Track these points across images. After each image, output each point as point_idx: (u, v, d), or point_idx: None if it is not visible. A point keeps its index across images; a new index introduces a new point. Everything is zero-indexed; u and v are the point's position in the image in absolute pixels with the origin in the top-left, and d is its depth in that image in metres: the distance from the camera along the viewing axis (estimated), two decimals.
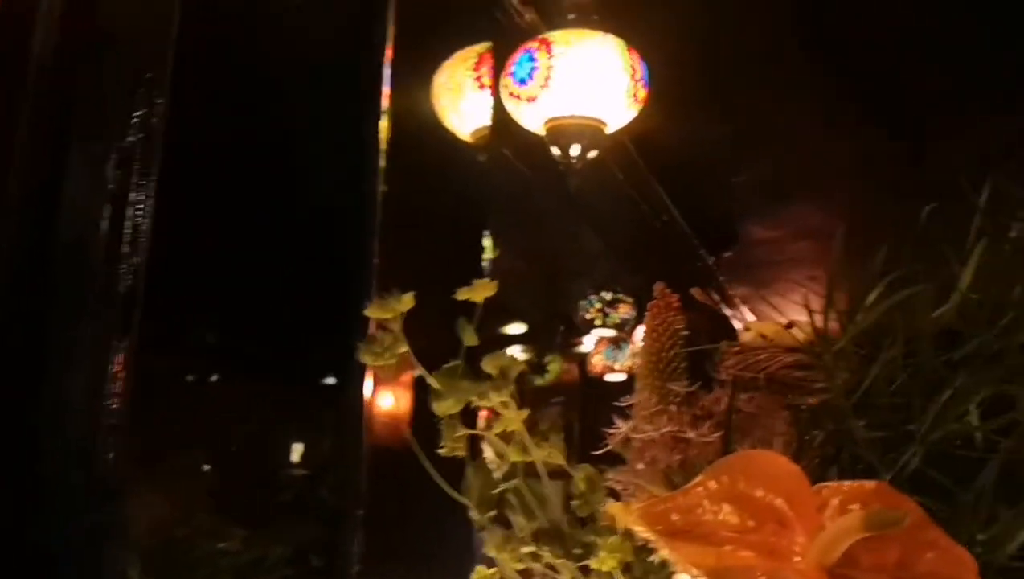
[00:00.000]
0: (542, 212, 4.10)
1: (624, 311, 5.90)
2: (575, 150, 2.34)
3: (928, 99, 3.34)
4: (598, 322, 5.84)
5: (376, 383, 1.68)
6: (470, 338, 0.89)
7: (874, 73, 3.24)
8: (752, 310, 6.30)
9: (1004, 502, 0.83)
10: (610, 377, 6.05)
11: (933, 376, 0.92)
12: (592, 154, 2.37)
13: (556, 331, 6.63)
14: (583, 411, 6.56)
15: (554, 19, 2.42)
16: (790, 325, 1.00)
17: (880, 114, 3.57)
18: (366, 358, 0.93)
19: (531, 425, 0.95)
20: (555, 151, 2.35)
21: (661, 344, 1.17)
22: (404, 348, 0.93)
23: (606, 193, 3.76)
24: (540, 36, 2.31)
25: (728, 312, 5.89)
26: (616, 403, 1.13)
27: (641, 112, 3.04)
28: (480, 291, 0.89)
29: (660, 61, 2.88)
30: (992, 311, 0.93)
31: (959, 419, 0.91)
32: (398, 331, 0.87)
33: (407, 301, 0.87)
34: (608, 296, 5.79)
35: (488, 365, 0.97)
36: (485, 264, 4.37)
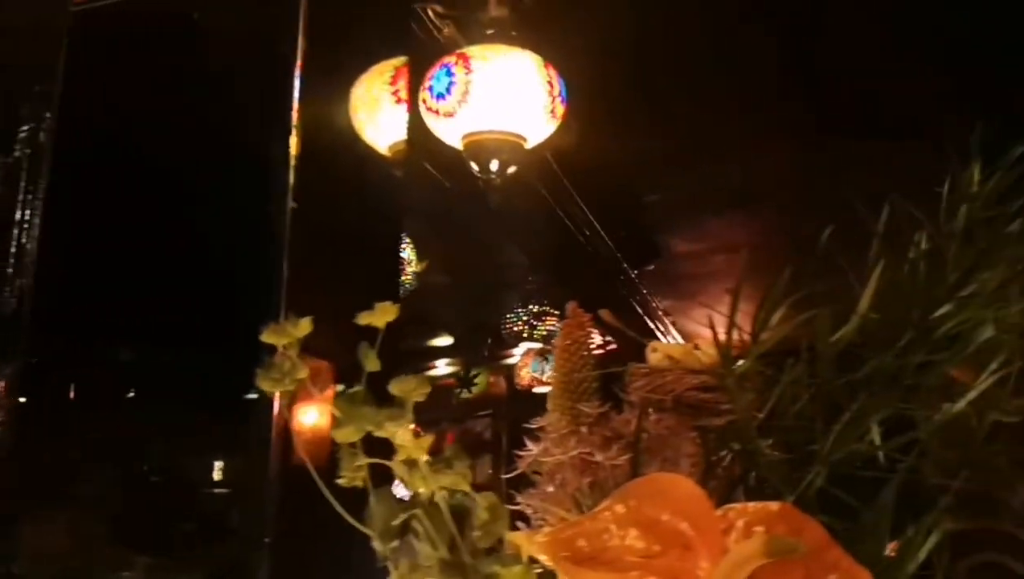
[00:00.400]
0: (466, 224, 4.09)
1: (551, 324, 5.93)
2: (494, 165, 2.33)
3: (845, 121, 3.43)
4: (525, 335, 5.86)
5: (287, 404, 1.64)
6: (372, 363, 0.86)
7: (795, 92, 3.30)
8: (676, 323, 6.39)
9: (906, 520, 0.84)
10: (538, 389, 6.07)
11: (835, 397, 0.92)
12: (511, 169, 2.36)
13: (483, 344, 6.62)
14: (512, 423, 6.55)
15: (473, 34, 2.41)
16: (696, 346, 1.00)
17: (801, 132, 3.65)
18: (264, 385, 0.90)
19: (436, 451, 0.92)
20: (474, 166, 2.33)
21: (572, 364, 1.16)
22: (304, 373, 0.90)
23: (528, 207, 3.77)
24: (458, 51, 2.29)
25: (652, 325, 5.95)
26: (527, 425, 1.12)
27: (562, 127, 3.06)
28: (382, 315, 0.86)
29: (581, 76, 2.89)
30: (892, 331, 0.94)
31: (861, 439, 0.91)
32: (295, 357, 0.83)
33: (303, 326, 0.83)
34: (535, 309, 5.81)
35: (395, 388, 0.94)
36: (409, 277, 4.34)
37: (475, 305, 5.90)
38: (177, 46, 1.70)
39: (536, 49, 2.42)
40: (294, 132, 1.62)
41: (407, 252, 4.38)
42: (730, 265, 5.37)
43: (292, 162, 1.59)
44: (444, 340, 6.99)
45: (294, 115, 1.63)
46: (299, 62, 1.68)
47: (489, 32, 2.38)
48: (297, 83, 1.67)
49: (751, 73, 3.23)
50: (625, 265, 4.74)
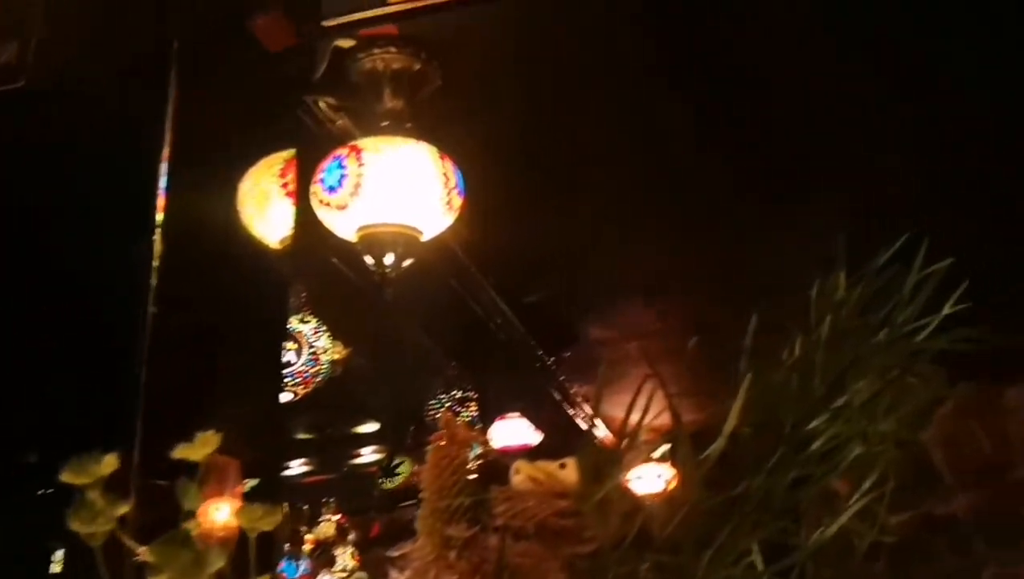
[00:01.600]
0: (379, 312, 4.00)
1: (475, 409, 5.84)
2: (389, 259, 2.27)
3: (748, 216, 3.47)
4: None
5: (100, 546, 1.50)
6: (192, 500, 0.77)
7: (699, 186, 3.33)
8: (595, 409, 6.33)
9: None
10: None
11: (706, 519, 0.86)
12: (407, 262, 2.30)
13: (407, 431, 6.47)
14: None
15: (367, 125, 2.37)
16: (563, 465, 0.93)
17: (706, 227, 3.69)
18: (75, 526, 0.80)
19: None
20: (368, 260, 2.27)
21: (443, 482, 1.08)
22: (121, 510, 0.80)
23: (437, 297, 3.71)
24: (351, 143, 2.25)
25: (572, 412, 5.89)
26: (389, 553, 1.04)
27: (470, 216, 3.03)
28: (201, 448, 0.77)
29: (483, 165, 2.87)
30: (764, 446, 0.89)
31: (736, 563, 0.85)
32: (98, 497, 0.74)
33: (108, 464, 0.74)
34: (458, 394, 5.74)
35: (243, 519, 0.85)
36: (325, 366, 4.21)
37: (396, 392, 5.78)
38: (38, 137, 1.62)
39: (433, 141, 2.38)
40: (158, 231, 1.53)
41: (323, 340, 4.29)
42: (646, 350, 5.37)
43: (155, 263, 1.51)
44: (370, 426, 6.83)
45: (158, 213, 1.55)
46: (166, 155, 1.61)
47: (384, 124, 2.34)
48: (164, 180, 1.59)
49: (662, 155, 3.25)
50: (540, 352, 4.69)
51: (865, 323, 0.84)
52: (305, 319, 4.27)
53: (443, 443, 1.14)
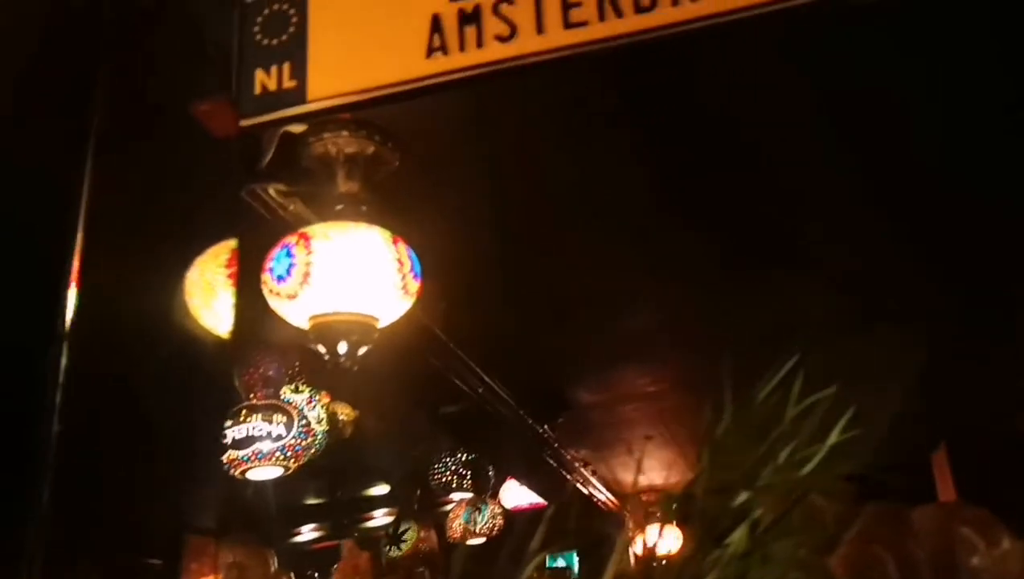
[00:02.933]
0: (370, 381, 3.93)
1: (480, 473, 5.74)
2: (342, 348, 2.19)
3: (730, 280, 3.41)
4: (455, 485, 5.67)
5: None
6: None
7: (679, 236, 3.27)
8: (597, 472, 6.22)
9: None
10: (472, 541, 5.83)
11: None
12: (363, 350, 2.23)
13: (413, 496, 6.36)
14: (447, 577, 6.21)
15: (321, 209, 2.31)
16: None
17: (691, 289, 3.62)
18: None
19: None
20: (320, 349, 2.19)
21: None
22: None
23: (416, 373, 3.63)
24: (301, 230, 2.19)
25: (568, 478, 5.77)
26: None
27: (444, 293, 2.97)
28: None
29: (450, 243, 2.81)
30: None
31: None
32: None
33: None
34: (463, 457, 5.65)
35: None
36: (319, 437, 4.13)
37: (403, 454, 5.71)
38: None
39: (395, 220, 2.33)
40: (65, 341, 1.46)
41: (316, 410, 4.21)
42: (641, 411, 5.27)
43: (60, 378, 1.44)
44: (379, 489, 6.72)
45: (66, 321, 1.48)
46: (77, 254, 1.54)
47: (338, 207, 2.28)
48: (74, 288, 1.52)
49: (634, 220, 3.19)
50: (531, 421, 4.59)
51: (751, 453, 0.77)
52: (299, 389, 4.19)
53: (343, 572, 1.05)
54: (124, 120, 1.75)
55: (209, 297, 2.14)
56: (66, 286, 1.50)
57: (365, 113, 2.22)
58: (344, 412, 4.39)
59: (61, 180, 1.64)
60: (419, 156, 2.44)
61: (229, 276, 2.17)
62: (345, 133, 2.26)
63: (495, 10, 1.53)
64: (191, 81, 1.97)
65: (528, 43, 1.50)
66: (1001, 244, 3.22)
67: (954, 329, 3.79)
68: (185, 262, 2.12)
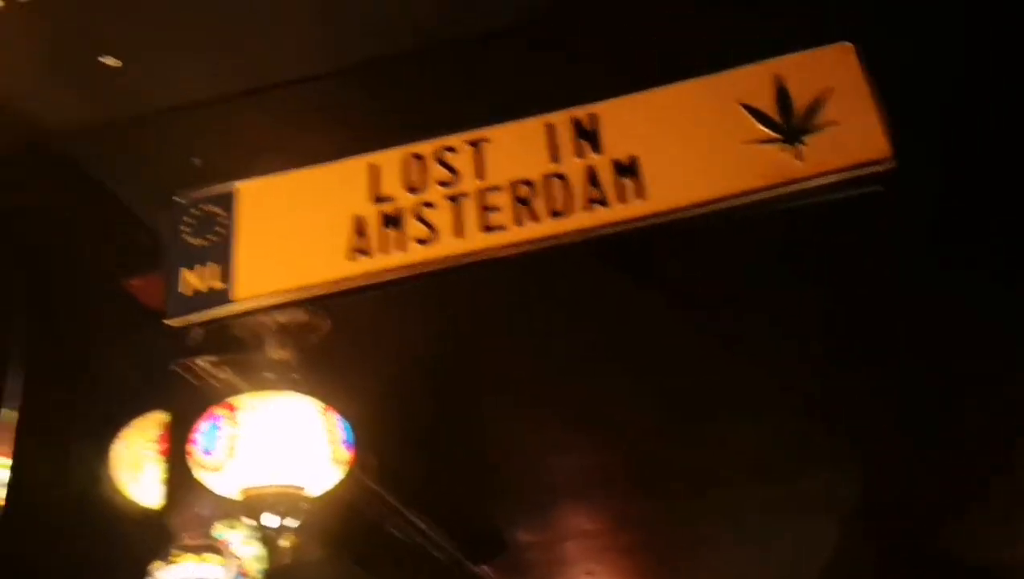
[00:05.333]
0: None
1: None
2: (271, 521, 2.18)
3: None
4: None
5: None
6: None
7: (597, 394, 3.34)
8: None
9: None
10: None
11: None
12: (293, 523, 2.21)
13: None
14: None
15: (253, 376, 2.34)
16: None
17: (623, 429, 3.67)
18: None
19: None
20: (248, 522, 2.18)
21: None
22: None
23: (348, 522, 3.59)
24: (227, 400, 2.20)
25: None
26: None
27: (377, 445, 2.97)
28: None
29: (387, 397, 2.84)
30: None
31: None
32: None
33: None
34: None
35: None
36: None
37: None
38: None
39: (324, 389, 2.35)
40: None
41: (254, 547, 4.09)
42: (581, 549, 5.23)
43: None
44: None
45: None
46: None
47: (269, 376, 2.30)
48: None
49: (560, 377, 3.25)
50: (467, 563, 4.54)
51: None
52: (234, 525, 4.07)
53: None
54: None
55: (136, 471, 2.13)
56: None
57: None
58: (287, 538, 4.28)
59: None
60: (350, 322, 2.49)
61: (158, 449, 2.16)
62: None
63: (416, 214, 1.62)
64: (122, 258, 2.02)
65: (447, 246, 1.58)
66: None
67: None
68: (113, 434, 2.11)
